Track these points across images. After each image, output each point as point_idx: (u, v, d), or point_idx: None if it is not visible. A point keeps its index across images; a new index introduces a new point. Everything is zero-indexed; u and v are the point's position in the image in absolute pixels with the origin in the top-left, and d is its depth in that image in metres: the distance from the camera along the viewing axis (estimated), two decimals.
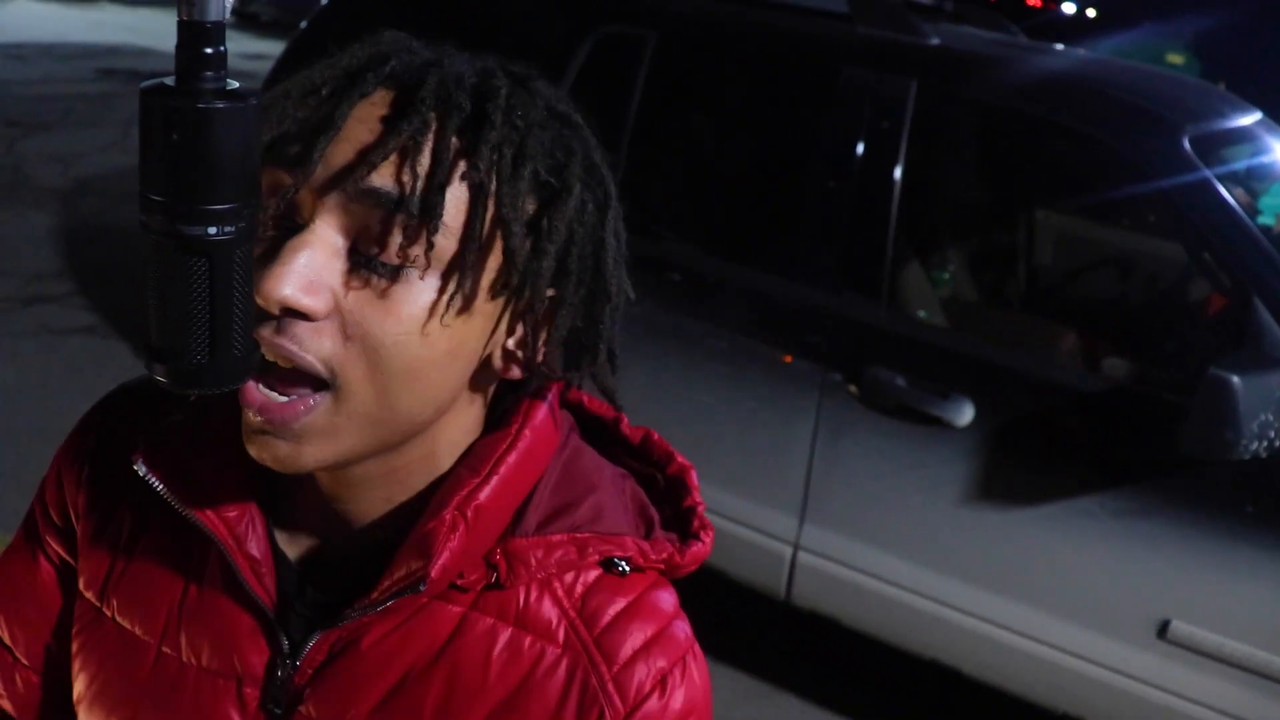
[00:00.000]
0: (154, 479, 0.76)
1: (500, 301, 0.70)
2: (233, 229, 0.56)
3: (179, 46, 0.54)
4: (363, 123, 0.66)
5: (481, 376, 0.74)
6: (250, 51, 11.28)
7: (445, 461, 0.76)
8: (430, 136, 0.66)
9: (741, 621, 3.15)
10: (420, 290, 0.66)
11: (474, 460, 0.75)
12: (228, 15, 0.54)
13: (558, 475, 0.78)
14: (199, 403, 0.79)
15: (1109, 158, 2.58)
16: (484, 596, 0.75)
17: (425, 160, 0.65)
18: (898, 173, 2.63)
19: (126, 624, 0.81)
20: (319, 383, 0.67)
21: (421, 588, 0.70)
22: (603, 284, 0.74)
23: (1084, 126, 2.58)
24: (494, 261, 0.69)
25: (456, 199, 0.66)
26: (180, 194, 0.54)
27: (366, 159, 0.65)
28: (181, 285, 0.56)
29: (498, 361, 0.74)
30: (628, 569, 0.77)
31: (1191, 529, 2.28)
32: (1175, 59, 8.21)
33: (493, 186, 0.67)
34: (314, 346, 0.65)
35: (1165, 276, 3.34)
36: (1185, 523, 2.29)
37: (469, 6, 3.33)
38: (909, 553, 2.60)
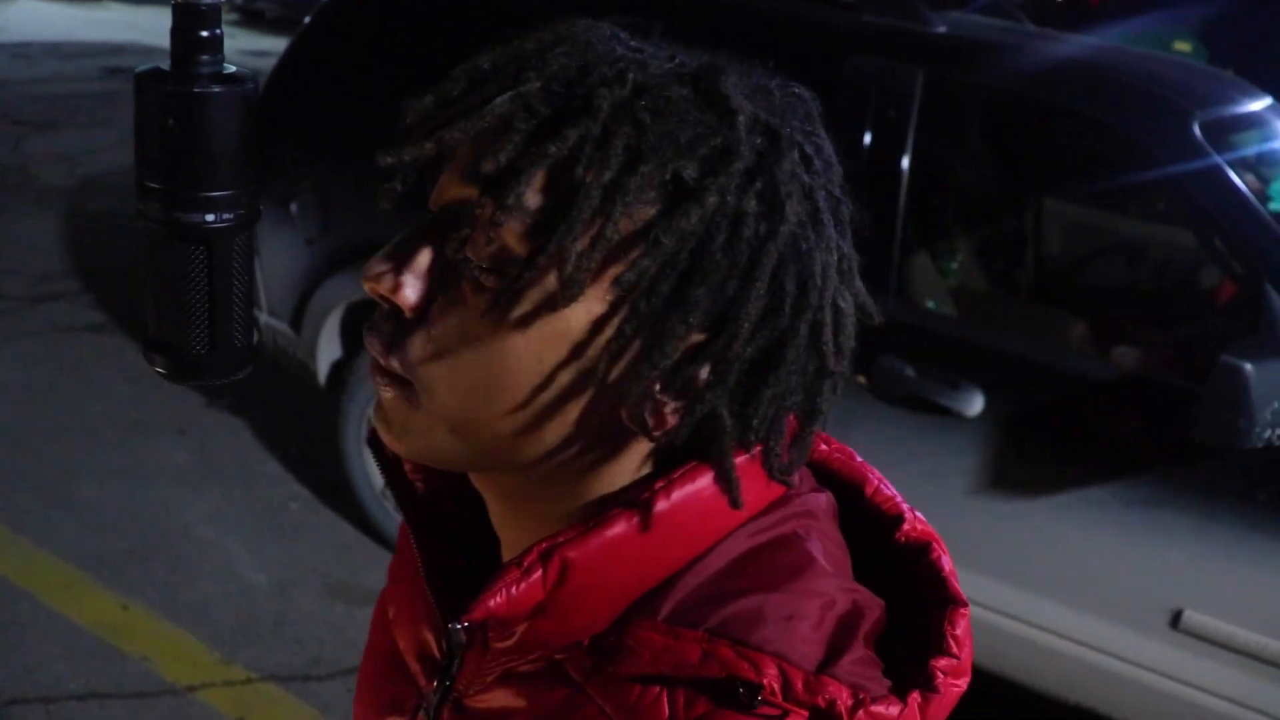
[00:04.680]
0: (378, 445, 0.74)
1: (600, 326, 0.60)
2: (231, 216, 0.55)
3: (174, 30, 0.53)
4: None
5: (611, 424, 0.63)
6: (255, 49, 11.27)
7: (584, 492, 0.66)
8: (532, 123, 0.59)
9: None
10: (497, 296, 0.60)
11: (586, 511, 0.65)
12: None
13: (731, 560, 0.64)
14: None
15: (1119, 144, 2.56)
16: (599, 680, 0.64)
17: (512, 146, 0.58)
18: (905, 162, 2.61)
19: (390, 610, 0.85)
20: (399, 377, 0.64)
21: (457, 625, 0.65)
22: (757, 337, 0.60)
23: (1094, 113, 2.56)
24: (548, 275, 0.59)
25: (538, 188, 0.59)
26: (177, 181, 0.54)
27: (475, 146, 0.60)
28: (179, 274, 0.55)
29: (624, 412, 0.62)
30: (757, 701, 0.58)
31: (1204, 517, 2.26)
32: (1183, 46, 8.15)
33: (586, 180, 0.57)
34: (397, 344, 0.62)
35: (1175, 263, 3.31)
36: (1198, 511, 2.27)
37: (475, 4, 3.31)
38: None
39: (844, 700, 0.59)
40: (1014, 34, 3.07)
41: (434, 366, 0.62)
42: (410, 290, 0.61)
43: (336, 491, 3.54)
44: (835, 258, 0.64)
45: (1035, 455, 2.48)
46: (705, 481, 0.63)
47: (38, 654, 2.84)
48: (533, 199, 0.58)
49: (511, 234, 0.59)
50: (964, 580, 2.43)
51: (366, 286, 0.62)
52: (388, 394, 0.63)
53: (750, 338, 0.60)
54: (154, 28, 13.05)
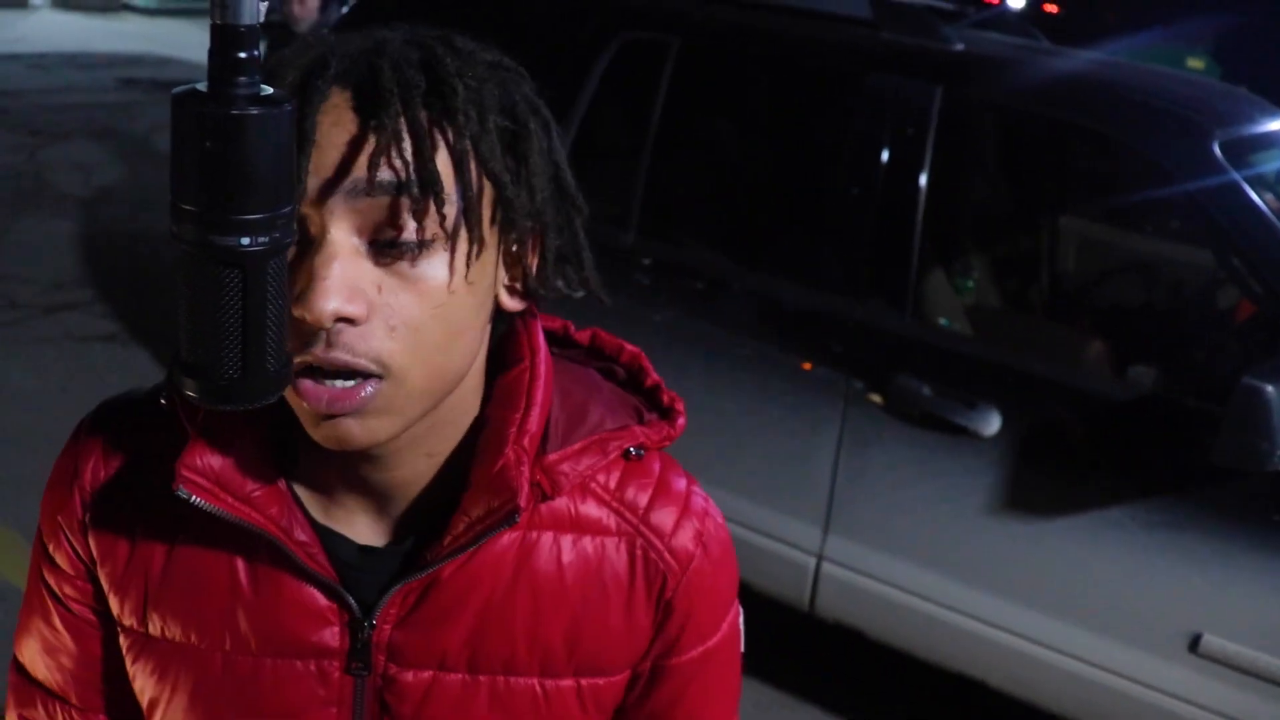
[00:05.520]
0: (200, 499, 0.77)
1: (496, 245, 0.77)
2: (266, 239, 0.54)
3: (211, 51, 0.52)
4: (335, 125, 0.69)
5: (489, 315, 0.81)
6: None
7: (471, 402, 0.83)
8: (402, 119, 0.69)
9: (765, 633, 3.12)
10: (438, 261, 0.71)
11: (508, 398, 0.83)
12: (261, 18, 0.52)
13: (562, 393, 0.87)
14: (205, 416, 0.80)
15: (1138, 163, 2.55)
16: (535, 515, 0.84)
17: (407, 142, 0.69)
18: (922, 179, 2.60)
19: (179, 637, 0.84)
20: (374, 374, 0.71)
21: (516, 519, 0.77)
22: (569, 198, 0.81)
23: (1112, 131, 2.55)
24: (485, 212, 0.74)
25: (443, 166, 0.70)
26: (212, 203, 0.53)
27: (370, 160, 0.68)
28: (213, 298, 0.54)
29: (503, 298, 0.80)
30: (642, 454, 0.87)
31: (1224, 540, 2.24)
32: (1196, 63, 8.14)
33: (469, 147, 0.72)
34: (364, 349, 0.69)
35: (1193, 283, 3.30)
36: (1217, 534, 2.25)
37: (491, 11, 3.32)
38: (934, 564, 2.57)
39: (667, 429, 0.89)
40: (1031, 52, 3.06)
41: (402, 346, 0.71)
42: (356, 306, 0.69)
43: None
44: None
45: (1053, 476, 2.46)
46: (541, 339, 0.86)
47: None
48: (445, 178, 0.70)
49: (438, 212, 0.70)
50: (978, 602, 2.40)
51: (328, 317, 0.67)
52: (368, 390, 0.71)
53: (579, 219, 0.83)
54: (170, 39, 13.12)
